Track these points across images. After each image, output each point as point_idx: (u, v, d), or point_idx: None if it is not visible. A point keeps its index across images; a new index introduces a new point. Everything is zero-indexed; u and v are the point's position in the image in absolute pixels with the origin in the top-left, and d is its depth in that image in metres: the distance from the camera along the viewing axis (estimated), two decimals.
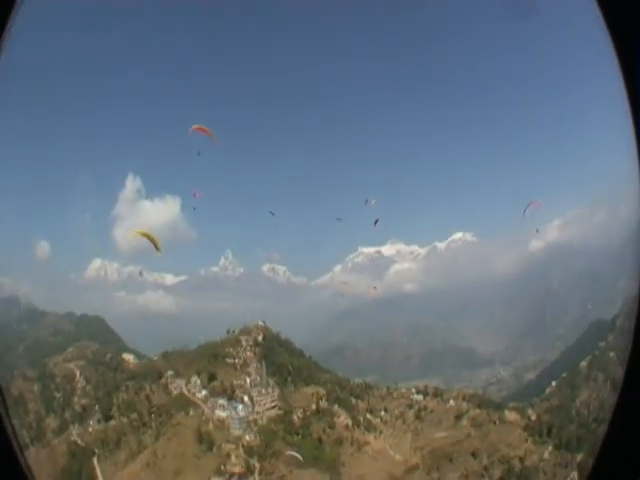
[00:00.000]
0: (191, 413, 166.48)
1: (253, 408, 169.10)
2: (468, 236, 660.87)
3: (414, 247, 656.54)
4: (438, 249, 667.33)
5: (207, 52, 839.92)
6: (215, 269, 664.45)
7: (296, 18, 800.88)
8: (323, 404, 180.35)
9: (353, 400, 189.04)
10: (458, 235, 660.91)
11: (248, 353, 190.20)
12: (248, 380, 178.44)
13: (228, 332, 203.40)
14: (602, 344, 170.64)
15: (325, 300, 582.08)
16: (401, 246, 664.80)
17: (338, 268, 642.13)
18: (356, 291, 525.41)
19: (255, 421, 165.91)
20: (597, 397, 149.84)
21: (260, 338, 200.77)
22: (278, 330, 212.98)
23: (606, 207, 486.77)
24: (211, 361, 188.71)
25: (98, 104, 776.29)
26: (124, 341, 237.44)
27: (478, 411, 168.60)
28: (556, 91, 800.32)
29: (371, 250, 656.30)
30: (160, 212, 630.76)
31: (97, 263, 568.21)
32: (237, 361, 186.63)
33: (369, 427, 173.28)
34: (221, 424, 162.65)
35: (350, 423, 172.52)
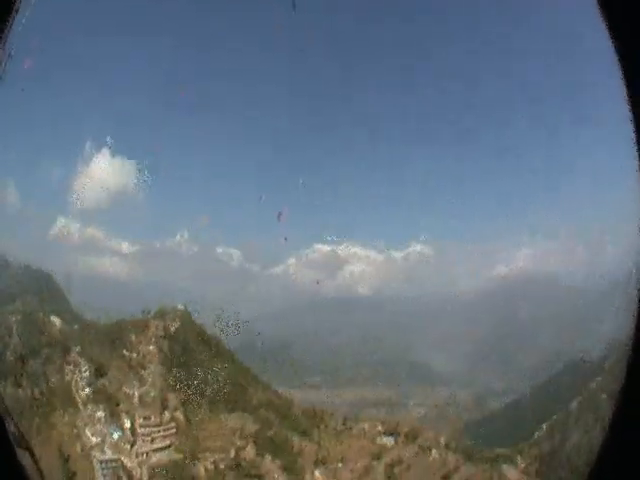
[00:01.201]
0: (66, 418, 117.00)
1: (133, 444, 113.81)
2: (428, 250, 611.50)
3: (371, 252, 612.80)
4: (395, 258, 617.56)
5: None
6: (170, 244, 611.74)
7: None
8: (249, 452, 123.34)
9: (296, 441, 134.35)
10: (417, 247, 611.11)
11: (150, 347, 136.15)
12: (137, 393, 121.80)
13: (143, 312, 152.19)
14: (592, 385, 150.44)
15: (276, 291, 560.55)
16: (357, 249, 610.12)
17: (292, 261, 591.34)
18: (308, 288, 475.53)
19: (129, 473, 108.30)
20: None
21: (174, 328, 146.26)
22: (211, 318, 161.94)
23: (589, 243, 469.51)
24: (108, 347, 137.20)
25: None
26: (70, 302, 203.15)
27: (471, 468, 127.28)
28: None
29: (327, 248, 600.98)
30: (122, 175, 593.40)
31: (61, 222, 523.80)
32: (134, 356, 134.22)
33: None
34: (86, 455, 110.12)
35: None
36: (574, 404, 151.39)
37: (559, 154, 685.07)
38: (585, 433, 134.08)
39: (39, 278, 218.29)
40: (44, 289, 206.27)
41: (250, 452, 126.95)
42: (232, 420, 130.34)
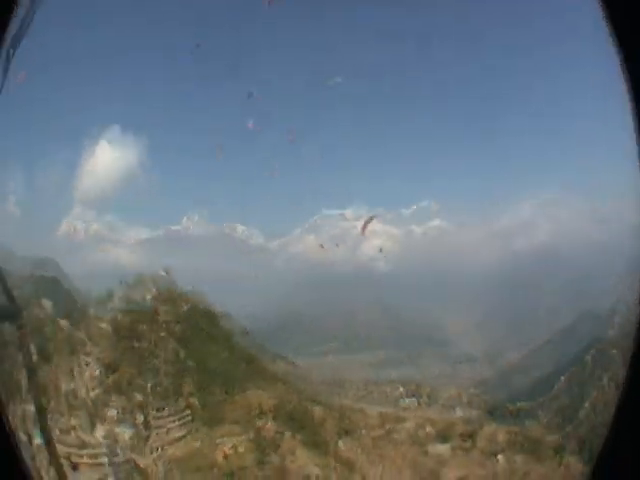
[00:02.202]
0: (72, 421, 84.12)
1: (148, 439, 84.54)
2: (446, 224, 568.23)
3: (390, 227, 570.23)
4: (415, 232, 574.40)
5: None
6: (177, 227, 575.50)
7: None
8: (269, 429, 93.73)
9: (316, 412, 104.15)
10: (436, 222, 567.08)
11: (162, 333, 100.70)
12: (148, 385, 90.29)
13: (121, 283, 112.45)
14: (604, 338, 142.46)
15: (284, 265, 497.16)
16: (376, 225, 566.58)
17: (297, 231, 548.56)
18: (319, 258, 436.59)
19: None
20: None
21: (185, 309, 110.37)
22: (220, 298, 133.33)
23: (594, 202, 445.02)
24: (119, 340, 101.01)
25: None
26: (75, 289, 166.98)
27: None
28: (549, 77, 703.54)
29: (334, 213, 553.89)
30: (121, 162, 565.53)
31: (68, 218, 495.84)
32: (146, 346, 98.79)
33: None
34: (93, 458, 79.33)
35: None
36: (588, 357, 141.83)
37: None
38: (600, 390, 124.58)
39: (43, 266, 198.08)
40: (48, 277, 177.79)
41: (270, 430, 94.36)
42: (249, 398, 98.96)
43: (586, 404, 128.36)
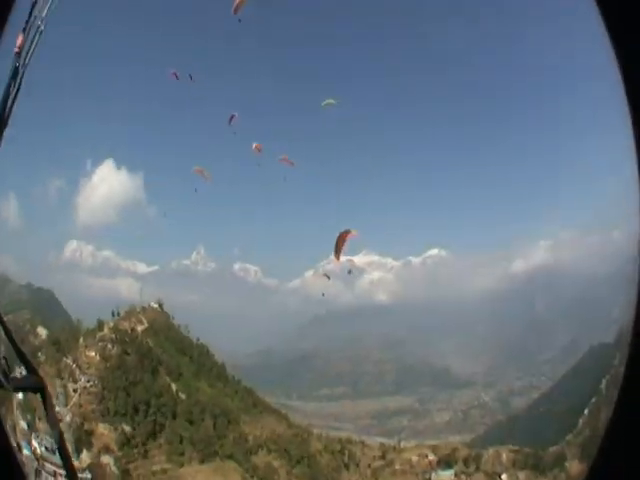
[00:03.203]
0: None
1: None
2: (444, 253, 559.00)
3: (388, 259, 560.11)
4: (413, 263, 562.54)
5: None
6: (187, 262, 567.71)
7: None
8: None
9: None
10: (434, 251, 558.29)
11: (90, 354, 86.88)
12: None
13: (113, 314, 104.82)
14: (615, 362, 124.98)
15: (295, 304, 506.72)
16: (374, 257, 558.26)
17: (310, 274, 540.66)
18: (327, 298, 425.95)
19: None
20: None
21: (141, 328, 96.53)
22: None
23: (597, 233, 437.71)
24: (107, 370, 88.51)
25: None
26: (71, 318, 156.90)
27: None
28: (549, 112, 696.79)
29: (343, 258, 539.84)
30: (130, 189, 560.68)
31: (73, 244, 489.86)
32: (73, 365, 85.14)
33: None
34: None
35: None
36: (603, 384, 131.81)
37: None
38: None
39: (40, 295, 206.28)
40: (44, 305, 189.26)
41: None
42: (202, 475, 74.35)
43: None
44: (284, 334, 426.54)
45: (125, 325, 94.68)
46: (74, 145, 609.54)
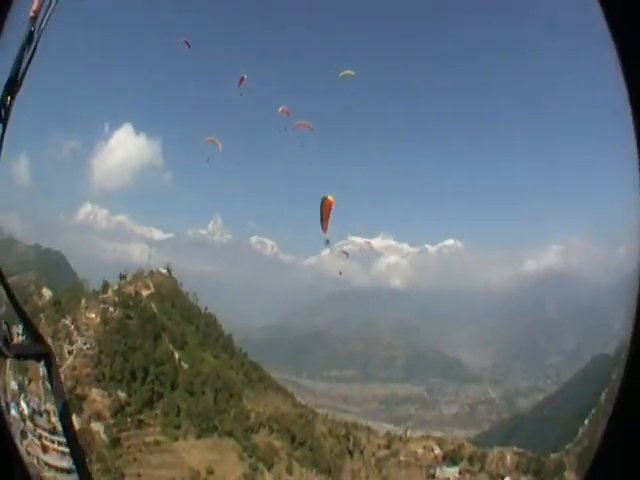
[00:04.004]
0: (47, 405, 61.16)
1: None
2: (460, 244, 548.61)
3: (405, 245, 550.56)
4: (429, 251, 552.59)
5: None
6: (203, 232, 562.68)
7: None
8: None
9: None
10: (450, 241, 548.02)
11: (90, 315, 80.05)
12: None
13: (121, 277, 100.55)
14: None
15: (311, 281, 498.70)
16: (391, 242, 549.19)
17: (326, 253, 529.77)
18: (342, 278, 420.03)
19: None
20: None
21: (146, 293, 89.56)
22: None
23: (606, 246, 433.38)
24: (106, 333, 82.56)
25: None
26: (80, 279, 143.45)
27: None
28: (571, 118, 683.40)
29: (361, 240, 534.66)
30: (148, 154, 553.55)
31: (87, 207, 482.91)
32: (71, 326, 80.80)
33: None
34: (63, 446, 59.14)
35: None
36: (602, 396, 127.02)
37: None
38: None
39: (48, 257, 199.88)
40: (52, 267, 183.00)
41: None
42: (197, 451, 68.99)
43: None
44: (298, 310, 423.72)
45: (130, 289, 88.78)
46: (91, 109, 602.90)
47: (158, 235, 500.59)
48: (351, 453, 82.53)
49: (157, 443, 66.63)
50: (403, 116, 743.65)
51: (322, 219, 55.40)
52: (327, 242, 62.18)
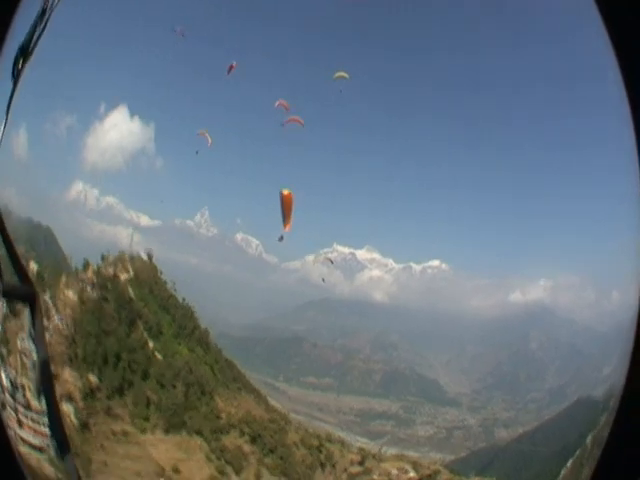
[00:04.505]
0: (23, 380, 55.82)
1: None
2: (445, 266, 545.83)
3: (389, 260, 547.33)
4: (413, 269, 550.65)
5: None
6: (190, 223, 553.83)
7: None
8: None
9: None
10: (435, 262, 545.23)
11: (68, 293, 73.93)
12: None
13: (103, 258, 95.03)
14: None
15: (293, 285, 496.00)
16: (376, 255, 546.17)
17: (310, 258, 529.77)
18: (325, 285, 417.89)
19: None
20: None
21: (125, 277, 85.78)
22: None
23: (599, 288, 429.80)
24: (82, 313, 78.61)
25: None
26: (65, 256, 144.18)
27: None
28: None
29: (346, 250, 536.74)
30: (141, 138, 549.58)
31: (79, 186, 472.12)
32: (49, 302, 75.76)
33: None
34: (36, 424, 54.76)
35: None
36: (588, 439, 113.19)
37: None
38: None
39: (38, 231, 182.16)
40: (41, 241, 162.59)
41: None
42: (164, 447, 65.51)
43: None
44: (278, 312, 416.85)
45: (110, 271, 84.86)
46: (88, 87, 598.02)
47: (145, 221, 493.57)
48: (323, 466, 78.66)
49: (125, 433, 62.70)
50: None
51: (283, 215, 52.46)
52: (281, 238, 58.84)
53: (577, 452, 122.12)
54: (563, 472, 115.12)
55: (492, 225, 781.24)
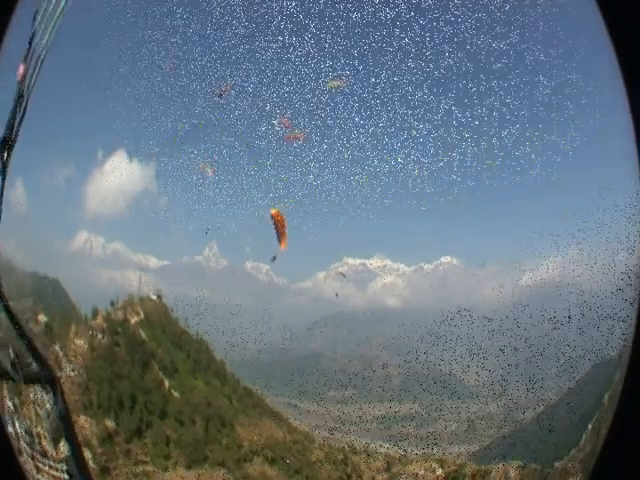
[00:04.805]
0: (38, 429, 58.78)
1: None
2: (456, 261, 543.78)
3: (401, 265, 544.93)
4: (425, 269, 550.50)
5: None
6: (199, 258, 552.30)
7: None
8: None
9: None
10: (447, 258, 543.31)
11: (78, 342, 76.06)
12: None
13: (112, 304, 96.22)
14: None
15: (306, 304, 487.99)
16: (387, 262, 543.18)
17: (321, 275, 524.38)
18: (338, 300, 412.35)
19: None
20: None
21: (135, 320, 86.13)
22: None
23: (604, 254, 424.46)
24: (94, 360, 79.66)
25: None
26: (74, 306, 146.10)
27: None
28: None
29: (356, 262, 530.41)
30: (141, 180, 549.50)
31: (83, 235, 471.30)
32: (60, 353, 76.48)
33: None
34: (54, 470, 57.18)
35: None
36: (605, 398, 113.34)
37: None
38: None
39: (44, 283, 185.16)
40: (49, 294, 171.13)
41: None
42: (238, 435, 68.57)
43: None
44: (293, 333, 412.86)
45: (119, 315, 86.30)
46: (84, 135, 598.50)
47: (153, 263, 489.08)
48: (349, 478, 79.33)
49: (146, 474, 63.62)
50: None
51: (277, 234, 53.71)
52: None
53: (596, 414, 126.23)
54: (584, 436, 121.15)
55: (493, 210, 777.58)
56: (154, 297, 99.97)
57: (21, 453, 60.00)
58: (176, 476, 65.46)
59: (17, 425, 62.64)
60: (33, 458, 60.52)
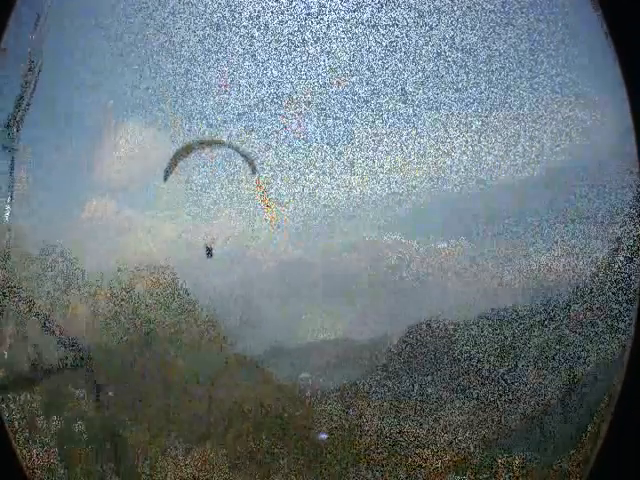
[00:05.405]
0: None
1: None
2: (464, 243, 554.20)
3: (413, 242, 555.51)
4: (438, 248, 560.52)
5: None
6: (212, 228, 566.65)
7: None
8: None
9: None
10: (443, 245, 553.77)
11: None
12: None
13: (119, 270, 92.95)
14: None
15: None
16: (399, 237, 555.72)
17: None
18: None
19: None
20: None
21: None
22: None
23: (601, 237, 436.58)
24: (95, 325, 78.24)
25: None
26: (82, 271, 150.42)
27: None
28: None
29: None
30: (144, 157, 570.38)
31: (97, 202, 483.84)
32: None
33: None
34: None
35: None
36: (605, 398, 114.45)
37: None
38: None
39: (51, 252, 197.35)
40: (58, 263, 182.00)
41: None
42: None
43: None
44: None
45: (123, 282, 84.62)
46: (98, 106, 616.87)
47: (167, 231, 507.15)
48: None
49: None
50: None
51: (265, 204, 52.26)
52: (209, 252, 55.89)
53: (595, 415, 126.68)
54: (584, 437, 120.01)
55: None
56: (162, 264, 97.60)
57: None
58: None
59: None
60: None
